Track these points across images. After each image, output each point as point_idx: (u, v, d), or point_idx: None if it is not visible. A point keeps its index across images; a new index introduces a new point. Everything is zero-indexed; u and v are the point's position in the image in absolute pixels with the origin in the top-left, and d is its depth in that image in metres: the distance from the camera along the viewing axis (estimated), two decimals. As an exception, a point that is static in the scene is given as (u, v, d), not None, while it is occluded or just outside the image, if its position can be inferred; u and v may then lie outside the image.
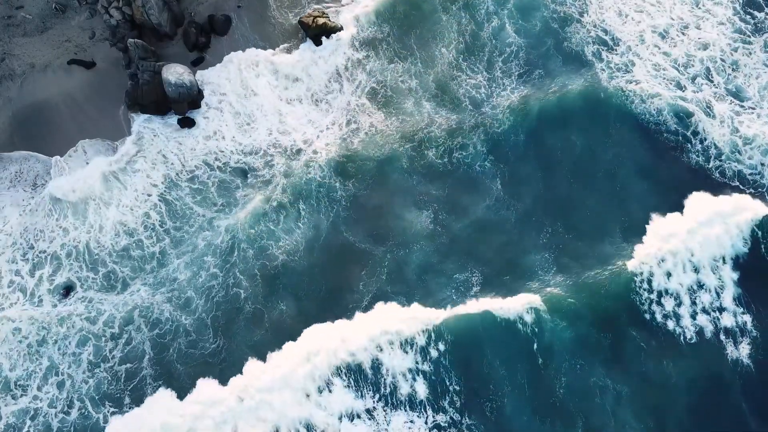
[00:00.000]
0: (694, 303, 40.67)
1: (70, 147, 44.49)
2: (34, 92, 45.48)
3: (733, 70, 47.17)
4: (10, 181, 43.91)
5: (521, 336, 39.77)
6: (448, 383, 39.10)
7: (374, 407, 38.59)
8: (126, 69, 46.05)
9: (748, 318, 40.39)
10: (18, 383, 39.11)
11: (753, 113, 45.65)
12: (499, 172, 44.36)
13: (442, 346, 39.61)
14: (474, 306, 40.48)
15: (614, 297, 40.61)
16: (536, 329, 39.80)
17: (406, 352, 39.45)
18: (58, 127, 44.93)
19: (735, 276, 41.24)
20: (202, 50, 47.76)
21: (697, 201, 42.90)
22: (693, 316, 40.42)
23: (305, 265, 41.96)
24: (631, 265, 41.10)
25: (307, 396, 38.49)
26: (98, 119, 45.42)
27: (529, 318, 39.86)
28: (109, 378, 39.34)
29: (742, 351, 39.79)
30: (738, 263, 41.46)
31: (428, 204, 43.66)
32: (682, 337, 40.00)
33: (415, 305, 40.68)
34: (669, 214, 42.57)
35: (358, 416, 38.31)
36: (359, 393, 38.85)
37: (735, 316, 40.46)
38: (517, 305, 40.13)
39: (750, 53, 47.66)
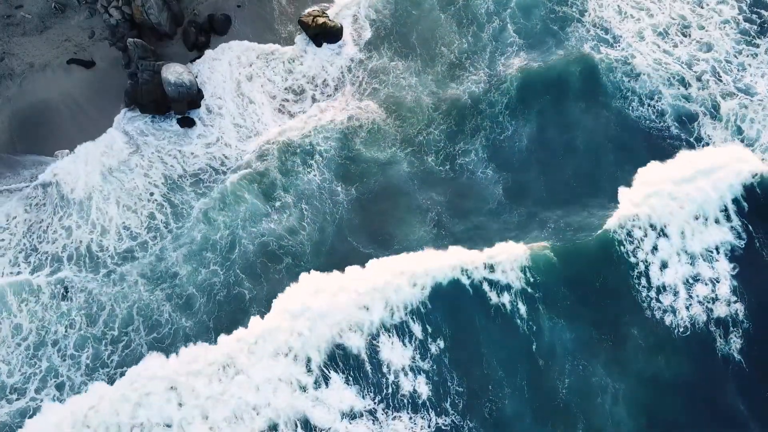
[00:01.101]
0: (689, 293, 40.60)
1: (70, 146, 44.18)
2: (33, 92, 45.24)
3: (739, 71, 47.01)
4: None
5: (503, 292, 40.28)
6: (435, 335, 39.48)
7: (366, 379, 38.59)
8: (125, 68, 45.85)
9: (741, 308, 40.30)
10: (15, 387, 38.83)
11: (760, 106, 45.41)
12: (502, 179, 44.19)
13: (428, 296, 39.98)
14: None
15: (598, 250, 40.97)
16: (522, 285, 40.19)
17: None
18: (57, 127, 44.59)
19: (730, 267, 41.01)
20: (201, 50, 47.57)
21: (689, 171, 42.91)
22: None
23: (309, 267, 41.53)
24: (612, 223, 41.31)
25: (304, 389, 38.19)
26: (98, 119, 45.14)
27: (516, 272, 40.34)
28: (106, 380, 38.80)
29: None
30: (734, 255, 41.27)
31: (430, 201, 43.62)
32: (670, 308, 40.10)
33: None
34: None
35: (359, 416, 38.14)
36: (353, 377, 38.63)
37: (729, 305, 40.34)
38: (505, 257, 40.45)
39: (755, 55, 47.49)
